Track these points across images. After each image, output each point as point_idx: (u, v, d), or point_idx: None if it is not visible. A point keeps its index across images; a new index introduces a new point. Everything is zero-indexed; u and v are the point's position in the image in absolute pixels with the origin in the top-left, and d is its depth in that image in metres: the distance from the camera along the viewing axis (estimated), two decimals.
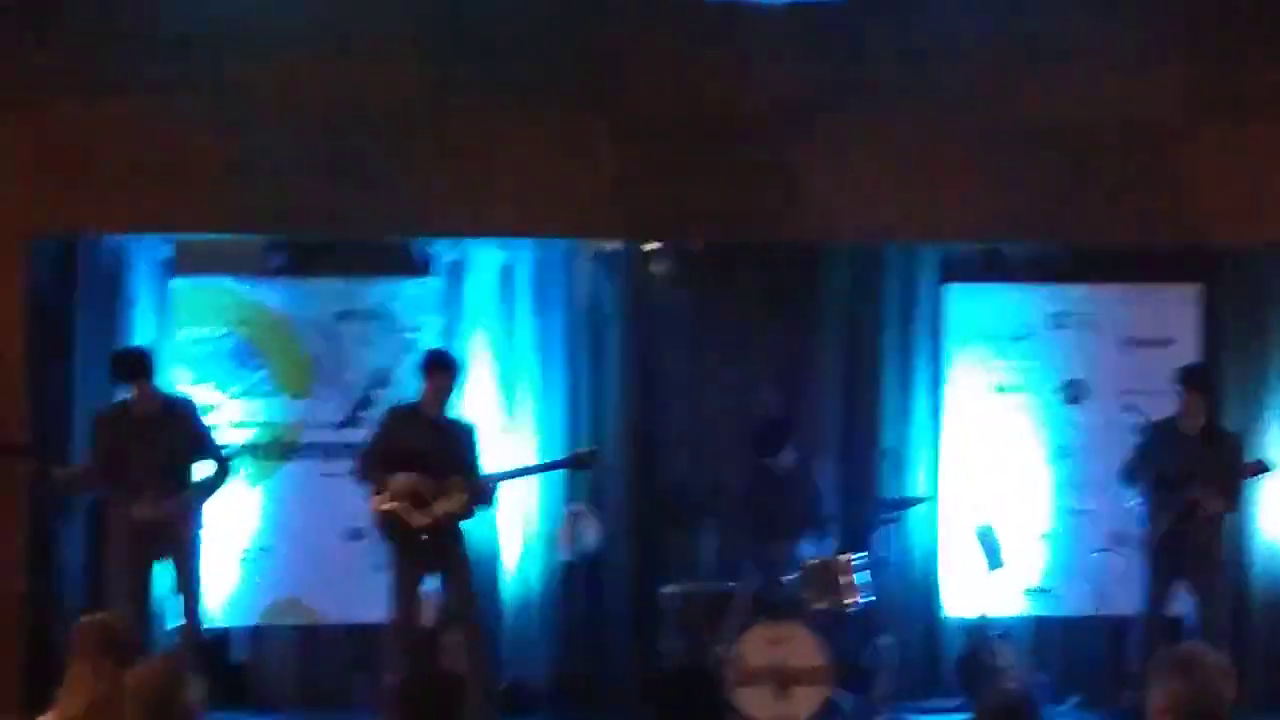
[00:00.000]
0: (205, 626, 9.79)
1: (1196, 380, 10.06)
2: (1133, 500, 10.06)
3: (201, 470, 9.63)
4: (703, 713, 4.88)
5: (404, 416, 9.75)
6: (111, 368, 9.67)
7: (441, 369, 9.69)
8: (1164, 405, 10.24)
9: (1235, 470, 10.00)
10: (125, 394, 9.59)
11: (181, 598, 9.50)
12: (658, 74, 10.31)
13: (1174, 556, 9.79)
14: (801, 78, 10.32)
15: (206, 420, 9.92)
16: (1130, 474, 10.11)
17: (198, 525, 9.55)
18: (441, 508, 9.47)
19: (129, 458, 9.35)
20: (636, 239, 10.81)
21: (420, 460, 9.45)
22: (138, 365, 9.53)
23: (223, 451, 9.80)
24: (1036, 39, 10.41)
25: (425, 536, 9.46)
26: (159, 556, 9.41)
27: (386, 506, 9.46)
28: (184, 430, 9.61)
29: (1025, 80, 10.40)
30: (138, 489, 9.32)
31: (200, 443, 9.68)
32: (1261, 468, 10.19)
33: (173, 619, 9.72)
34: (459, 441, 9.68)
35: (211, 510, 9.80)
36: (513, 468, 10.17)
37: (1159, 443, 10.03)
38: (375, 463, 9.59)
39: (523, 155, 10.23)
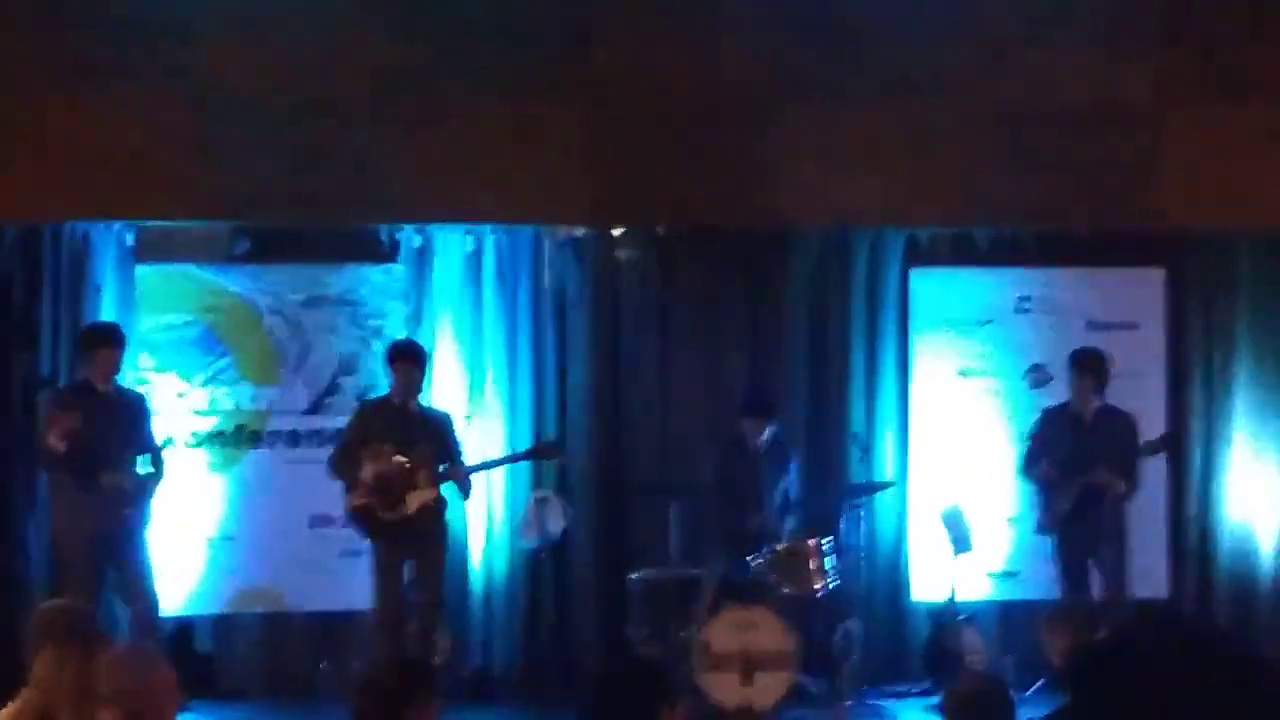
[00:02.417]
0: (166, 616, 9.78)
1: (1087, 363, 10.14)
2: (1033, 489, 10.24)
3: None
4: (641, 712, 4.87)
5: (375, 409, 9.76)
6: (88, 335, 9.66)
7: (408, 359, 9.69)
8: (1129, 389, 10.29)
9: (1132, 450, 10.08)
10: (83, 373, 9.64)
11: (132, 590, 9.46)
12: (626, 58, 10.29)
13: (1078, 540, 9.91)
14: (770, 62, 10.31)
15: (155, 415, 9.92)
16: (1029, 463, 10.21)
17: (146, 520, 9.52)
18: (413, 501, 9.47)
19: (94, 433, 9.31)
20: (604, 224, 10.80)
21: (395, 452, 9.46)
22: (113, 336, 9.52)
23: (159, 450, 9.77)
24: (1005, 23, 10.42)
25: (403, 528, 9.46)
26: (111, 547, 9.37)
27: (358, 503, 9.46)
28: (139, 419, 9.65)
29: (993, 65, 10.40)
30: (104, 463, 9.29)
31: (149, 436, 9.67)
32: (1160, 445, 10.29)
33: (124, 610, 9.69)
34: (431, 432, 9.67)
35: (174, 500, 9.81)
36: (478, 462, 10.17)
37: (1054, 429, 10.13)
38: (349, 458, 9.59)
39: (490, 140, 10.20)
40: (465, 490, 9.77)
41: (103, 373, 9.50)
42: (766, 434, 10.28)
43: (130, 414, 9.60)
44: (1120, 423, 10.16)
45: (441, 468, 9.63)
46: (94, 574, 9.38)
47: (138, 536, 9.47)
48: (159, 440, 9.80)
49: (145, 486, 9.54)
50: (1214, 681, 5.11)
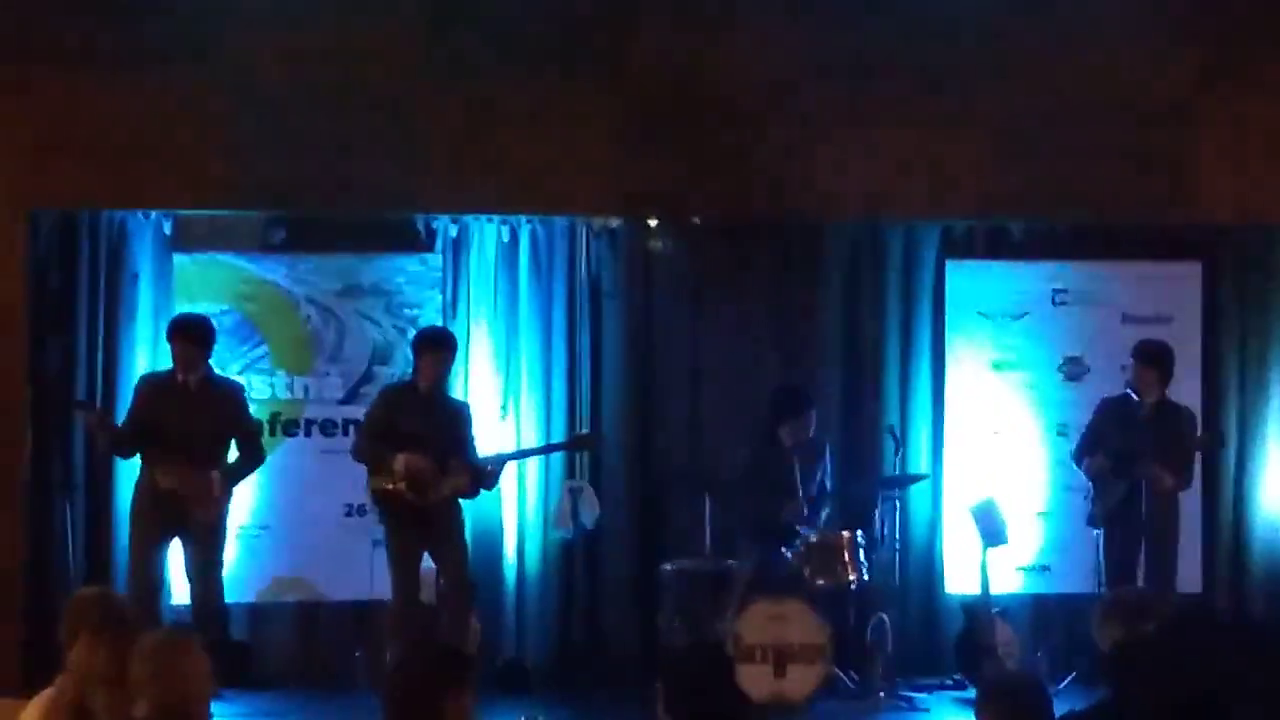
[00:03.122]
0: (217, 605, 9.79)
1: (1150, 356, 10.05)
2: (1085, 478, 10.16)
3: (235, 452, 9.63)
4: (719, 689, 4.87)
5: (399, 394, 9.73)
6: (175, 328, 9.64)
7: (436, 347, 9.65)
8: None
9: (1186, 446, 10.03)
10: (169, 363, 9.60)
11: (198, 574, 9.48)
12: (661, 49, 10.31)
13: (1127, 534, 9.84)
14: (804, 54, 10.32)
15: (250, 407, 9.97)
16: (1083, 451, 10.15)
17: (226, 506, 9.53)
18: (445, 488, 9.46)
19: (167, 426, 9.32)
20: (639, 215, 10.80)
21: (416, 439, 9.43)
22: (201, 331, 9.53)
23: (260, 440, 9.79)
24: (1040, 16, 10.42)
25: (424, 516, 9.45)
26: (177, 530, 9.39)
27: (388, 486, 9.45)
28: (226, 410, 9.58)
29: (1028, 57, 10.41)
30: (168, 457, 9.29)
31: (240, 426, 9.66)
32: (1213, 442, 10.24)
33: (181, 595, 9.73)
34: (454, 420, 9.66)
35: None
36: (514, 450, 10.18)
37: (1111, 419, 10.06)
38: (372, 441, 9.58)
39: (526, 130, 10.23)
40: (489, 482, 9.73)
41: (181, 365, 9.45)
42: (812, 427, 10.22)
43: (216, 405, 9.53)
44: (1179, 417, 10.08)
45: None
46: (157, 552, 9.41)
47: (214, 523, 9.47)
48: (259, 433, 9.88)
49: (230, 474, 9.55)
50: (1258, 678, 5.11)
